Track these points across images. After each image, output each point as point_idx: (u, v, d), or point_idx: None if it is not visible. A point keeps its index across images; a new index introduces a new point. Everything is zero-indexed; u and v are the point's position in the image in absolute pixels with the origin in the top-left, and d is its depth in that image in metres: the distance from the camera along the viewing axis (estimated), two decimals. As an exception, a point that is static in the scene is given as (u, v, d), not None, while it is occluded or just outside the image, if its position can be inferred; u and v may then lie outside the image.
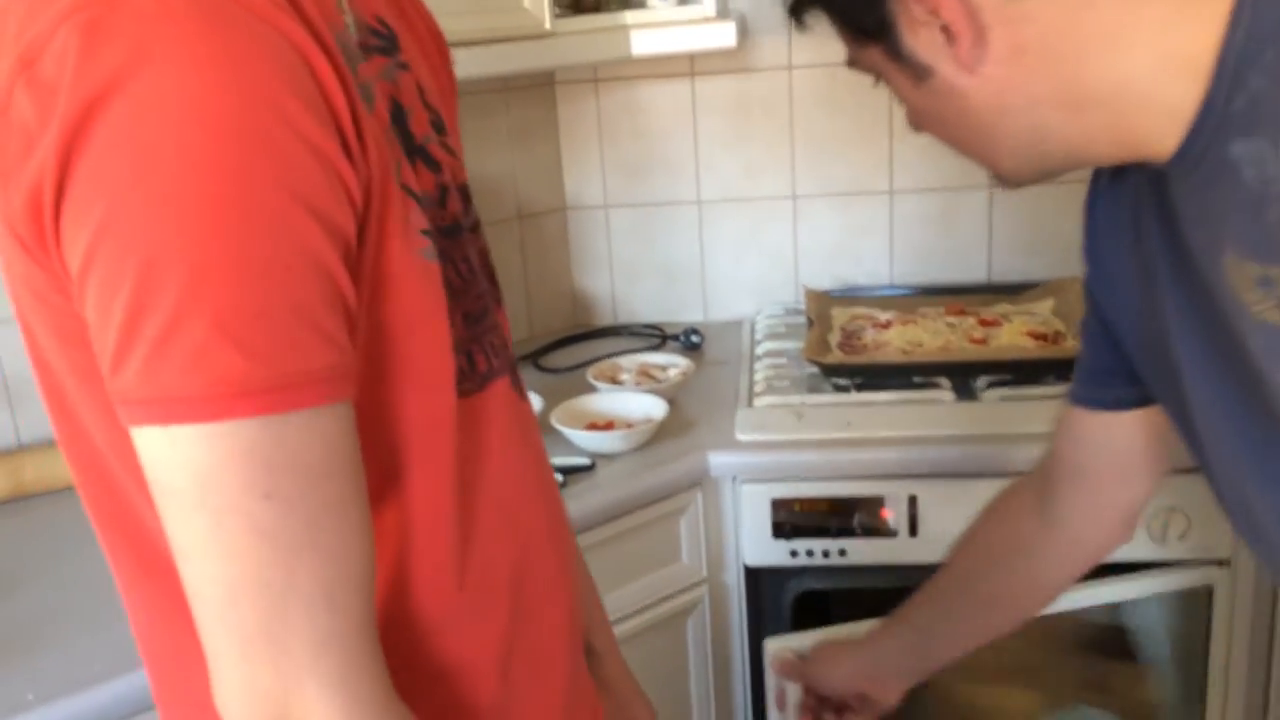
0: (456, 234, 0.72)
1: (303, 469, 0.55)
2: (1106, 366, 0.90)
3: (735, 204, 1.97)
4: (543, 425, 1.22)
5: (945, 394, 1.51)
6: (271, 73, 0.53)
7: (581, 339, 1.96)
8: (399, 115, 0.67)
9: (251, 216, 0.52)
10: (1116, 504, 0.98)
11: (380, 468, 0.64)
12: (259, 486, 0.54)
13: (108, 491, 0.66)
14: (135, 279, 0.51)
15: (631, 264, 2.03)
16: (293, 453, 0.55)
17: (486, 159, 1.89)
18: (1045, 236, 1.87)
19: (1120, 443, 0.94)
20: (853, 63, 0.80)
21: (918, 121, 0.81)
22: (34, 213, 0.54)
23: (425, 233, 0.65)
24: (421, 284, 0.65)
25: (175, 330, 0.51)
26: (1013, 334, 1.64)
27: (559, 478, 1.29)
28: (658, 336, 1.92)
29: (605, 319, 2.05)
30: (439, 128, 0.73)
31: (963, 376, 1.54)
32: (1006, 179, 0.81)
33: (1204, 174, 0.68)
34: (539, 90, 1.95)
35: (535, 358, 1.85)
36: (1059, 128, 0.73)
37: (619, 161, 1.98)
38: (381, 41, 0.68)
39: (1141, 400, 0.90)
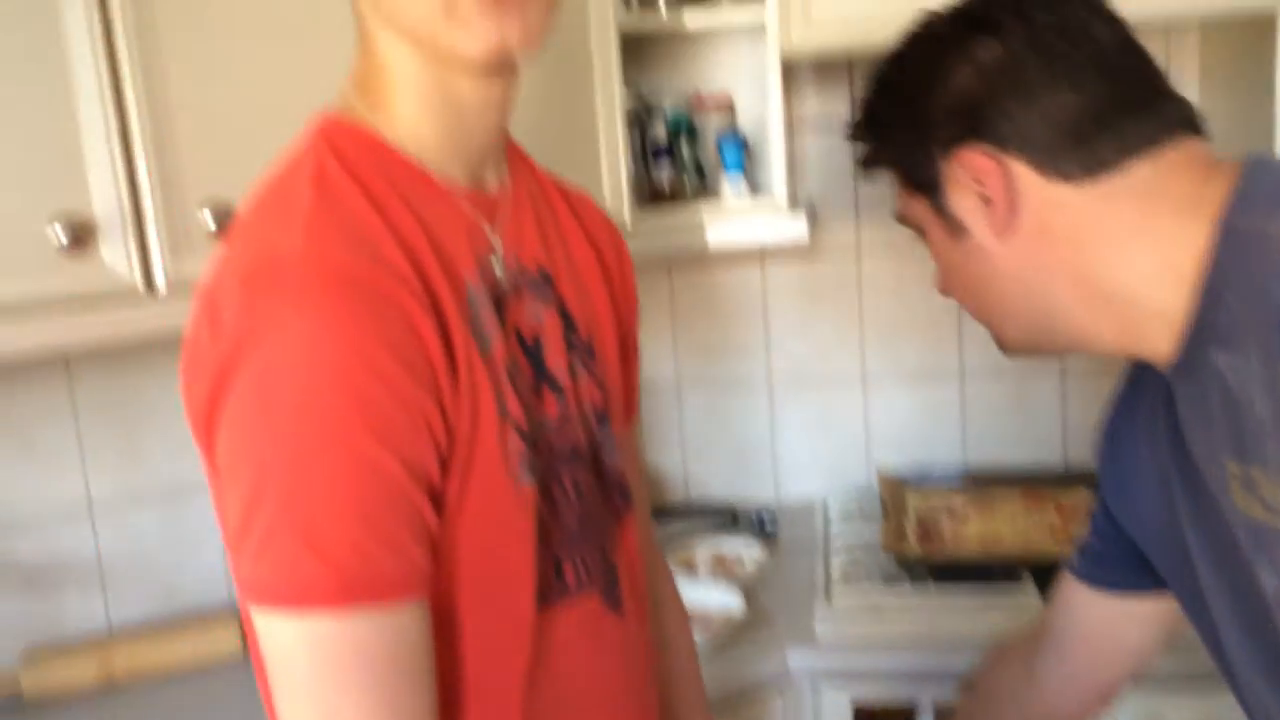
0: (571, 458, 0.79)
1: (366, 659, 0.64)
2: (1108, 553, 0.94)
3: (806, 384, 2.00)
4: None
5: (1029, 592, 1.49)
6: (375, 335, 0.65)
7: (654, 517, 1.96)
8: (536, 349, 0.78)
9: (340, 456, 0.64)
10: (1089, 680, 1.02)
11: (450, 664, 0.71)
12: (325, 669, 0.64)
13: None
14: (247, 494, 0.64)
15: (703, 442, 2.05)
16: (358, 644, 0.64)
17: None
18: (1121, 421, 1.86)
19: (1102, 623, 0.98)
20: (902, 217, 0.88)
21: (945, 280, 0.88)
22: (200, 422, 0.68)
23: (524, 459, 0.72)
24: (508, 505, 0.72)
25: (270, 539, 0.63)
26: (1094, 526, 1.61)
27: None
28: (730, 517, 1.93)
29: (677, 496, 2.06)
30: (585, 355, 0.82)
31: (1046, 573, 1.51)
32: (1007, 346, 0.87)
33: (1196, 380, 0.73)
34: (614, 274, 2.01)
35: (608, 538, 1.86)
36: (1068, 310, 0.79)
37: (691, 341, 2.03)
38: (534, 284, 0.79)
39: (1134, 588, 0.94)
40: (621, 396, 0.90)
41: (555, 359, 0.79)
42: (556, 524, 0.76)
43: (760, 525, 1.86)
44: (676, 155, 1.74)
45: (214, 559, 1.59)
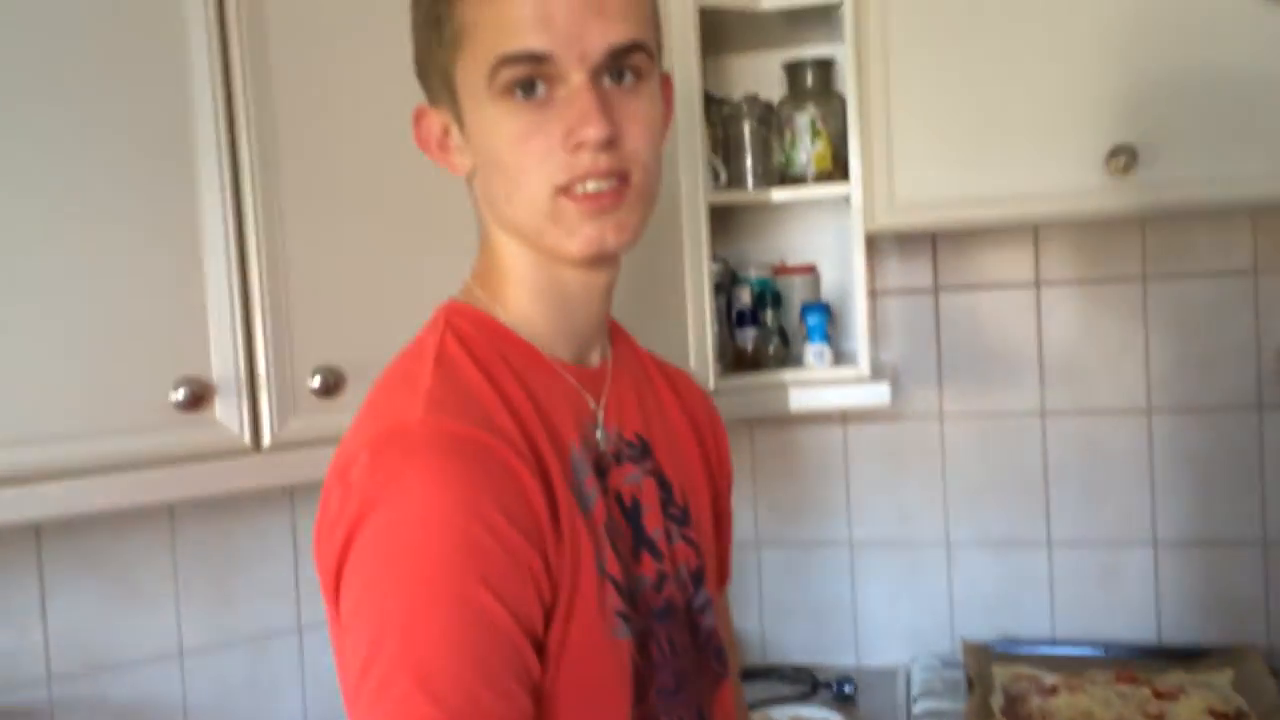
0: (667, 617, 0.83)
1: None
2: None
3: (888, 548, 1.98)
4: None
5: (1124, 781, 1.43)
6: (486, 494, 0.71)
7: (730, 680, 1.93)
8: (635, 511, 0.83)
9: (453, 604, 0.68)
10: None
11: None
12: None
13: None
14: (368, 639, 0.69)
15: (782, 604, 2.03)
16: None
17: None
18: (1218, 599, 1.80)
19: None
20: None
21: None
22: (329, 575, 0.74)
23: (620, 614, 0.77)
24: (606, 657, 0.76)
25: (388, 682, 0.68)
26: (1192, 711, 1.55)
27: None
28: (809, 682, 1.89)
29: (755, 658, 2.02)
30: (680, 520, 0.87)
31: (1141, 761, 1.45)
32: None
33: None
34: (696, 431, 2.04)
35: (684, 700, 1.83)
36: None
37: (771, 500, 2.03)
38: (633, 452, 0.85)
39: None
40: (715, 561, 0.94)
41: (653, 522, 0.84)
42: (654, 680, 0.80)
43: (840, 692, 1.82)
44: (761, 320, 1.79)
45: (293, 706, 1.60)
